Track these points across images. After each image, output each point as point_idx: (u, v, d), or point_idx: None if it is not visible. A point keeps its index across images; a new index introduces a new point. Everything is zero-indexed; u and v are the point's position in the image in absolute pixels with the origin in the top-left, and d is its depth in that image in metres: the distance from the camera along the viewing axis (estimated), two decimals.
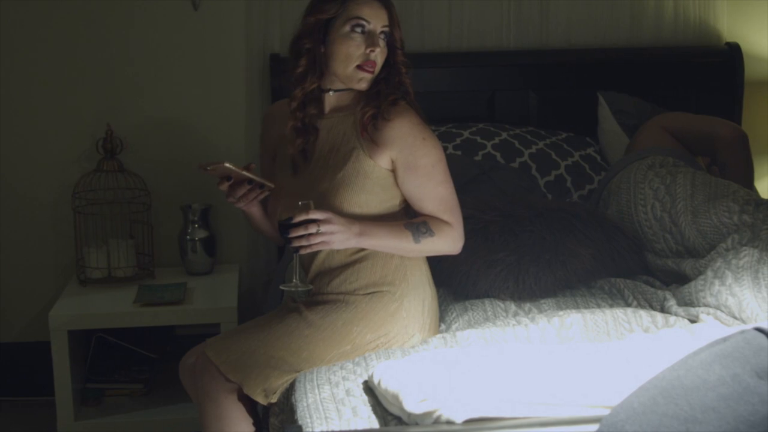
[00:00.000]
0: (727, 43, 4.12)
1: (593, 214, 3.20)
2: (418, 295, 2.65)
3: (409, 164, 2.57)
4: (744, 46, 4.09)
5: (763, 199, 3.01)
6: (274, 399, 2.55)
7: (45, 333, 3.41)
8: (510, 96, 4.01)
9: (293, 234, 2.43)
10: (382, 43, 2.61)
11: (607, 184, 3.41)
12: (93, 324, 3.53)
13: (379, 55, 2.60)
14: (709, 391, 1.61)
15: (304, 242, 2.44)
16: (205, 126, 3.91)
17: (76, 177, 3.71)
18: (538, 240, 2.98)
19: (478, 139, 3.73)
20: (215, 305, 3.50)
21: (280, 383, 2.53)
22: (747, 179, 3.47)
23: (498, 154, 3.67)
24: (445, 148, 3.65)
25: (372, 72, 2.61)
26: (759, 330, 1.71)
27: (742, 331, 1.73)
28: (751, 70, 4.11)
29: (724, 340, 1.72)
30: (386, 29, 2.61)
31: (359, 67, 2.59)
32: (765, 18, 4.17)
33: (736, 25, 4.16)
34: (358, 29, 2.59)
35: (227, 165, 2.47)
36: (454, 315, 2.79)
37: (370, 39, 2.59)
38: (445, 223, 2.56)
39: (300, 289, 2.52)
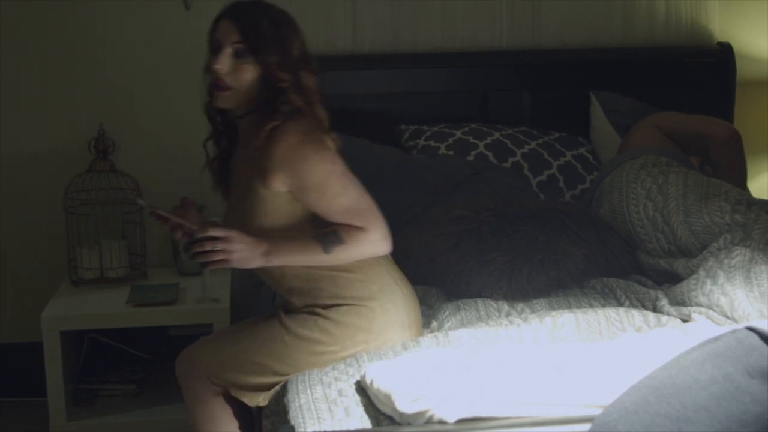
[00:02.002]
0: (719, 43, 4.12)
1: (586, 213, 3.20)
2: (388, 299, 2.63)
3: (299, 186, 2.51)
4: (736, 46, 4.10)
5: (755, 199, 3.02)
6: (263, 402, 2.57)
7: (37, 333, 3.41)
8: (503, 96, 4.01)
9: (195, 249, 2.45)
10: (227, 60, 2.52)
11: (600, 184, 3.41)
12: (85, 324, 3.53)
13: (230, 73, 2.53)
14: (701, 391, 1.61)
15: (205, 258, 2.45)
16: (197, 126, 3.90)
17: (68, 177, 3.70)
18: (531, 240, 2.98)
19: (471, 139, 3.73)
20: (208, 306, 3.50)
21: (266, 386, 2.56)
22: (740, 179, 3.47)
23: (490, 154, 3.67)
24: (437, 148, 3.68)
25: (223, 89, 2.55)
26: (751, 329, 1.72)
27: (734, 331, 1.73)
28: (743, 70, 4.11)
29: (716, 339, 1.72)
30: (238, 45, 2.52)
31: (214, 85, 2.56)
32: (757, 18, 4.18)
33: (728, 25, 4.17)
34: (214, 48, 2.56)
35: (160, 212, 2.54)
36: (446, 314, 2.79)
37: (215, 55, 2.55)
38: (358, 228, 2.50)
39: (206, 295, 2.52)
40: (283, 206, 2.54)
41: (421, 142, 3.75)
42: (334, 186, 2.51)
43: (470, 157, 3.66)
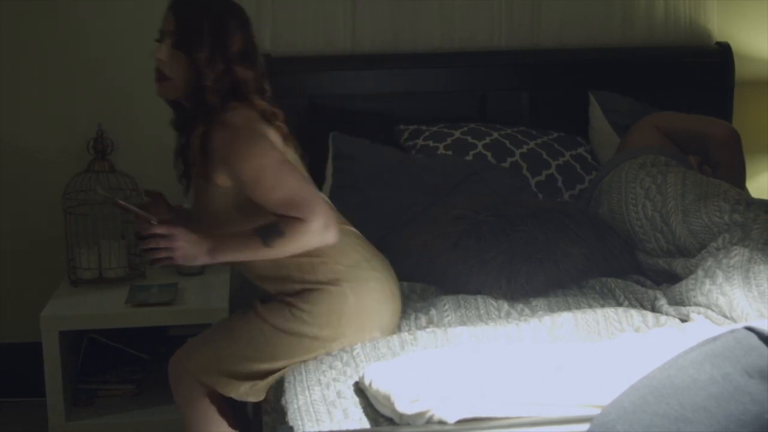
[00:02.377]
0: (718, 43, 4.13)
1: (585, 213, 3.20)
2: (359, 278, 2.63)
3: (237, 181, 2.52)
4: (734, 46, 4.10)
5: (753, 199, 3.02)
6: (254, 398, 2.59)
7: (36, 334, 3.40)
8: (502, 96, 4.01)
9: (143, 246, 2.50)
10: (165, 50, 2.55)
11: (599, 184, 3.41)
12: (84, 325, 3.53)
13: (168, 63, 2.56)
14: (699, 390, 1.61)
15: (150, 255, 2.49)
16: None
17: (66, 177, 3.70)
18: (530, 240, 2.98)
19: (469, 139, 3.73)
20: (207, 306, 3.50)
21: (254, 378, 2.58)
22: (739, 179, 3.47)
23: (489, 154, 3.67)
24: (436, 148, 3.68)
25: (160, 79, 2.58)
26: (749, 329, 1.72)
27: (733, 331, 1.73)
28: (741, 70, 4.11)
29: (715, 339, 1.72)
30: (174, 38, 2.55)
31: (155, 73, 2.59)
32: (755, 18, 4.18)
33: (727, 25, 4.17)
34: (159, 37, 2.59)
35: (121, 202, 2.59)
36: (446, 307, 2.78)
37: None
38: (298, 219, 2.47)
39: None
40: (235, 199, 2.55)
41: (420, 142, 3.75)
42: (269, 179, 2.48)
43: (469, 157, 3.66)
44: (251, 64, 2.61)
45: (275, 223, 2.48)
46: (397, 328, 2.72)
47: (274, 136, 2.57)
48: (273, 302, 2.66)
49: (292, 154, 2.64)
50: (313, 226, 2.46)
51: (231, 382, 2.61)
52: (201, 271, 3.80)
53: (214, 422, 2.69)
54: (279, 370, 2.57)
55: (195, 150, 2.59)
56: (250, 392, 2.60)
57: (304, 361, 2.55)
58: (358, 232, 2.73)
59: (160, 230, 2.47)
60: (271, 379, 2.58)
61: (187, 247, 2.48)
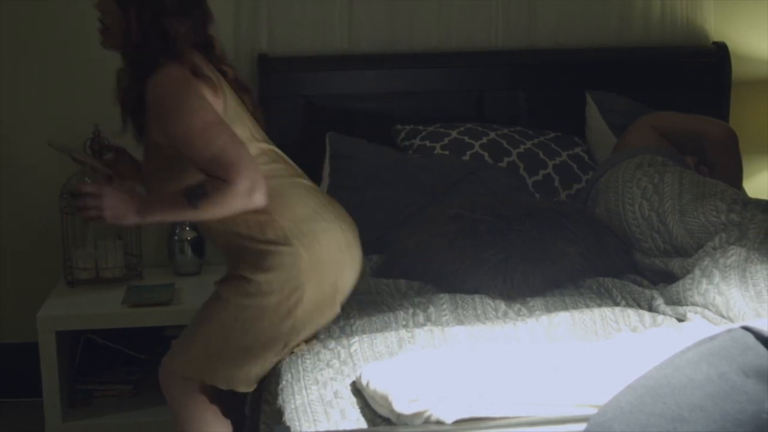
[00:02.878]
0: (715, 43, 4.13)
1: (582, 213, 3.20)
2: (310, 234, 2.60)
3: (169, 137, 2.50)
4: (731, 46, 4.10)
5: (750, 199, 3.02)
6: (249, 387, 2.61)
7: (33, 334, 3.40)
8: (499, 96, 4.01)
9: (74, 203, 2.52)
10: (106, 2, 2.56)
11: (596, 183, 3.41)
12: (81, 325, 3.53)
13: (106, 15, 2.57)
14: (696, 390, 1.61)
15: (81, 213, 2.50)
16: None
17: (63, 178, 3.69)
18: (527, 239, 2.98)
19: (466, 138, 3.73)
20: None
21: (244, 365, 2.58)
22: (736, 179, 3.47)
23: (486, 154, 3.67)
24: (433, 148, 3.68)
25: (101, 30, 2.60)
26: (746, 329, 1.72)
27: (730, 330, 1.73)
28: (738, 70, 4.12)
29: (712, 338, 1.72)
30: None
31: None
32: (752, 18, 4.18)
33: (723, 24, 4.17)
34: None
35: (75, 154, 2.63)
36: (444, 306, 2.77)
37: None
38: (223, 181, 2.44)
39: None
40: (172, 157, 2.53)
41: (417, 141, 3.75)
42: (197, 138, 2.45)
43: (466, 157, 3.66)
44: (186, 16, 2.57)
45: (201, 184, 2.45)
46: (364, 273, 2.76)
47: (208, 93, 2.52)
48: (231, 279, 2.63)
49: (234, 107, 2.60)
50: (238, 188, 2.42)
51: (214, 369, 2.61)
52: (198, 271, 3.80)
53: (208, 423, 2.68)
54: (261, 348, 2.56)
55: (131, 105, 2.58)
56: (236, 379, 2.59)
57: (293, 351, 2.56)
58: (309, 183, 2.70)
59: (89, 188, 2.47)
60: (258, 369, 2.58)
61: (117, 206, 2.47)
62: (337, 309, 2.67)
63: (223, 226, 2.60)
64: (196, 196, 2.45)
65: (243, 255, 2.61)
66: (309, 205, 2.65)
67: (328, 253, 2.62)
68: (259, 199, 2.46)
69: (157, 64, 2.50)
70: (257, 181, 2.44)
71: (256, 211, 2.53)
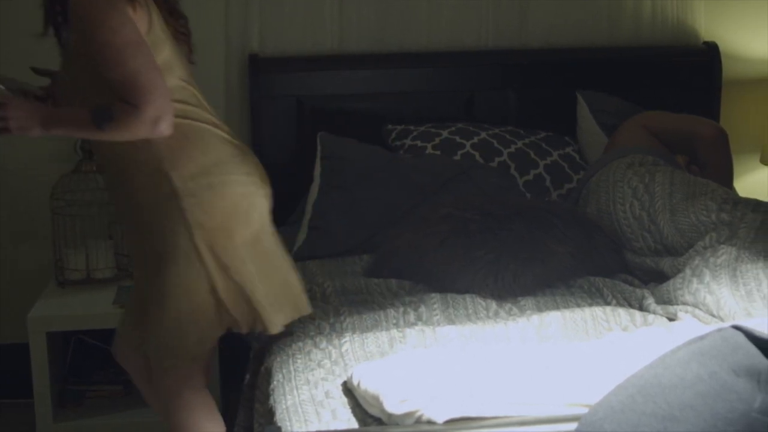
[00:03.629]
0: (705, 43, 4.14)
1: (572, 212, 3.21)
2: (209, 184, 2.51)
3: (88, 49, 2.42)
4: (722, 46, 4.11)
5: (741, 198, 3.02)
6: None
7: (23, 335, 3.40)
8: (489, 96, 4.01)
9: None
10: None
11: (587, 183, 3.41)
12: (72, 325, 3.52)
13: None
14: (687, 389, 1.61)
15: None
16: None
17: (54, 178, 3.69)
18: (518, 238, 2.98)
19: (457, 138, 3.73)
20: None
21: (206, 330, 2.56)
22: (726, 178, 3.48)
23: (477, 154, 3.68)
24: (424, 148, 3.68)
25: None
26: (736, 328, 1.72)
27: (720, 329, 1.73)
28: (729, 69, 4.13)
29: (702, 338, 1.73)
30: None
31: None
32: (742, 17, 4.19)
33: (714, 24, 4.18)
34: None
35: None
36: (435, 305, 2.77)
37: None
38: (131, 105, 2.37)
39: None
40: (91, 72, 2.45)
41: (408, 141, 3.75)
42: (112, 56, 2.38)
43: (457, 157, 3.66)
44: None
45: (109, 107, 2.39)
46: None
47: (134, 14, 2.43)
48: (139, 244, 2.60)
49: (159, 32, 2.52)
50: (144, 115, 2.36)
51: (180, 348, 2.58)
52: None
53: (206, 416, 2.67)
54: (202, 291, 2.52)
55: (53, 11, 2.53)
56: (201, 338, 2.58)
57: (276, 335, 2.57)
58: (222, 133, 2.59)
59: None
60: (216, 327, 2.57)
61: (21, 117, 2.43)
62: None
63: (116, 177, 2.56)
64: (102, 117, 2.39)
65: (135, 219, 2.56)
66: (212, 155, 2.55)
67: (225, 208, 2.53)
68: (163, 130, 2.39)
69: None
70: (165, 110, 2.38)
71: (151, 166, 2.47)
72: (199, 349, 2.60)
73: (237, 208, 2.55)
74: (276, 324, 2.59)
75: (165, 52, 2.51)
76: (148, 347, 2.62)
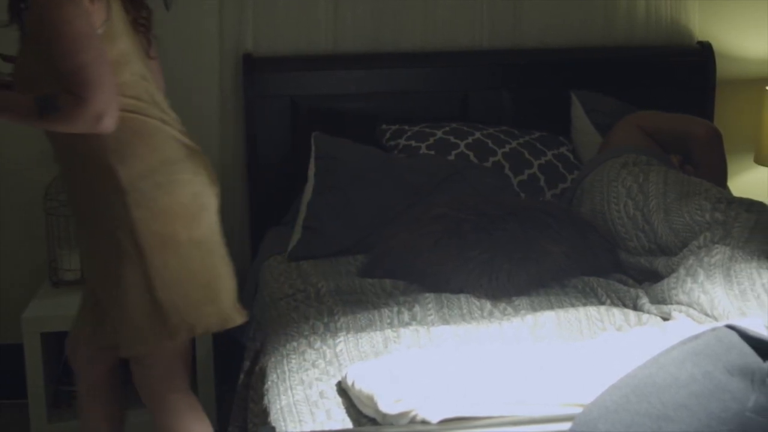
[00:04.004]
0: (699, 42, 4.14)
1: (567, 212, 3.21)
2: (152, 182, 2.48)
3: (41, 36, 2.39)
4: (716, 45, 4.12)
5: (735, 198, 3.03)
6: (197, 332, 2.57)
7: (17, 335, 3.39)
8: (484, 96, 4.01)
9: None
10: None
11: (581, 183, 3.42)
12: (66, 326, 3.48)
13: None
14: (681, 389, 1.61)
15: None
16: None
17: (48, 178, 3.68)
18: (512, 238, 2.98)
19: (452, 138, 3.73)
20: None
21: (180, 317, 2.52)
22: (720, 178, 3.49)
23: (471, 154, 3.67)
24: (418, 148, 3.68)
25: None
26: (730, 327, 1.73)
27: (714, 329, 1.74)
28: (723, 69, 4.13)
29: (696, 337, 1.73)
30: None
31: None
32: (736, 17, 4.20)
33: (708, 24, 4.19)
34: None
35: None
36: (429, 305, 2.77)
37: None
38: (76, 98, 2.34)
39: None
40: (44, 62, 2.42)
41: (402, 141, 3.75)
42: (63, 46, 2.35)
43: (451, 157, 3.66)
44: None
45: (56, 96, 2.36)
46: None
47: (91, 5, 2.40)
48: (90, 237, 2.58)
49: (118, 24, 2.49)
50: (87, 110, 2.33)
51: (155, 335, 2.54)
52: None
53: (192, 419, 2.67)
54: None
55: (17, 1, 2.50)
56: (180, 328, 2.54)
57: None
58: (174, 132, 2.56)
59: None
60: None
61: None
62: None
63: (68, 166, 2.55)
64: (46, 105, 2.36)
65: (82, 212, 2.55)
66: (161, 153, 2.53)
67: (169, 207, 2.50)
68: (105, 127, 2.36)
69: None
70: (110, 106, 2.35)
71: (99, 160, 2.45)
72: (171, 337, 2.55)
73: (185, 208, 2.53)
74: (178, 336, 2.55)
75: (121, 45, 2.48)
76: (119, 339, 2.57)
